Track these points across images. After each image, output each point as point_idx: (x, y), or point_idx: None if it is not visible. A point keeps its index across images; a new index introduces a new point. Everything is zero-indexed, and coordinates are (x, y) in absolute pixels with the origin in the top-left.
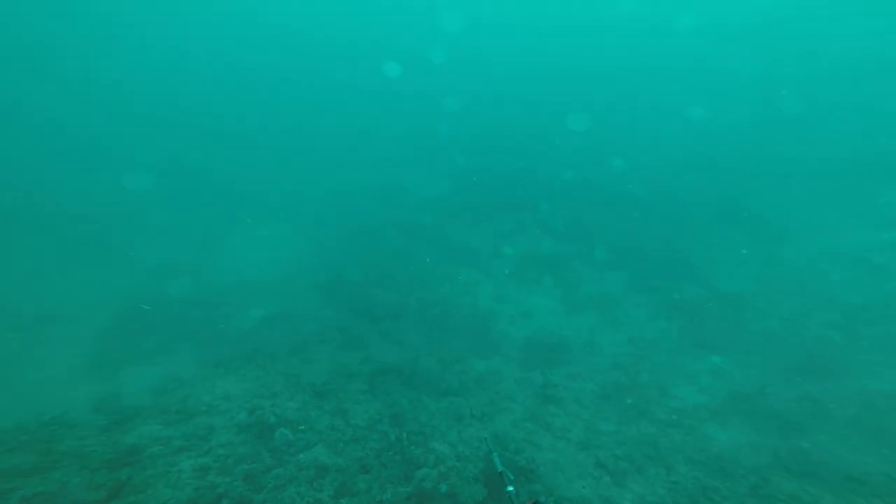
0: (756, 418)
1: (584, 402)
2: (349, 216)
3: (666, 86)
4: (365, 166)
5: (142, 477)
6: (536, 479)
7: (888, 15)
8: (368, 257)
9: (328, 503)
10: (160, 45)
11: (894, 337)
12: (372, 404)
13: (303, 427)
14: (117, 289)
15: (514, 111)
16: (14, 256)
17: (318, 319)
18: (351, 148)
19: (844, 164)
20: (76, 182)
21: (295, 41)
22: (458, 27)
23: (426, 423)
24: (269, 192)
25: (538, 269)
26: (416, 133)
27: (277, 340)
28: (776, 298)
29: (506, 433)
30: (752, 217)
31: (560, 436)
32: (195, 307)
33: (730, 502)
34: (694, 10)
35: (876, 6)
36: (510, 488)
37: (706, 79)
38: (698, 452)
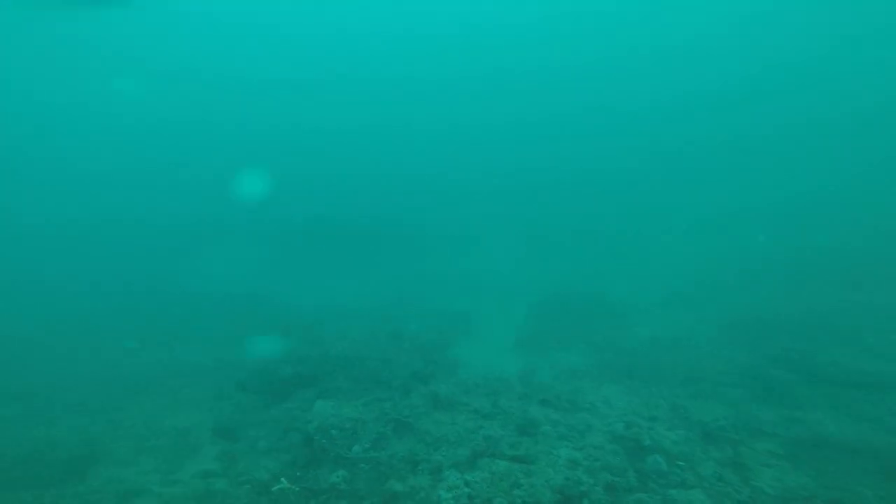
0: None
1: None
2: None
3: None
4: None
5: (532, 449)
6: None
7: None
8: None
9: None
10: None
11: None
12: (790, 476)
13: (682, 464)
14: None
15: None
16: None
17: (720, 359)
18: None
19: None
20: None
21: None
22: None
23: None
24: None
25: None
26: None
27: (667, 366)
28: None
29: None
30: None
31: None
32: (600, 312)
33: None
34: None
35: None
36: None
37: None
38: None
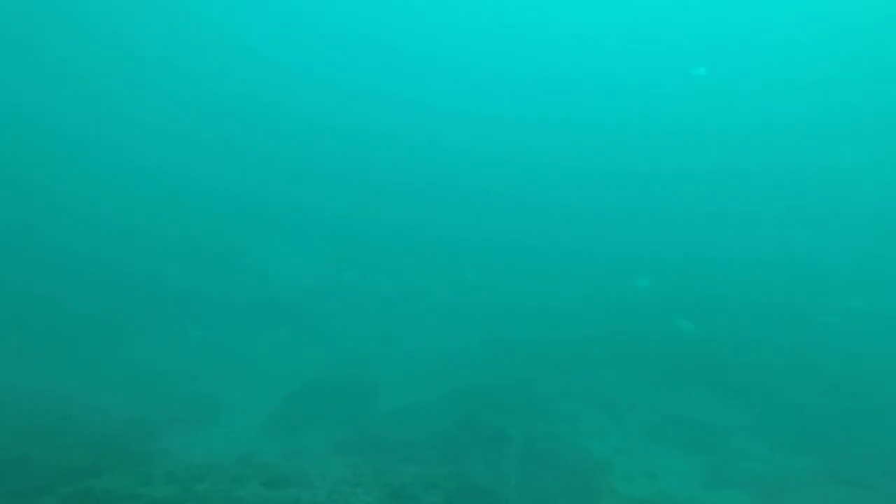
0: None
1: None
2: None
3: None
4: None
5: None
6: None
7: None
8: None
9: None
10: None
11: None
12: None
13: None
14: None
15: None
16: None
17: (433, 426)
18: None
19: None
20: None
21: None
22: None
23: None
24: None
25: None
26: None
27: (389, 436)
28: None
29: None
30: None
31: None
32: (354, 391)
33: None
34: None
35: None
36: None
37: None
38: None
